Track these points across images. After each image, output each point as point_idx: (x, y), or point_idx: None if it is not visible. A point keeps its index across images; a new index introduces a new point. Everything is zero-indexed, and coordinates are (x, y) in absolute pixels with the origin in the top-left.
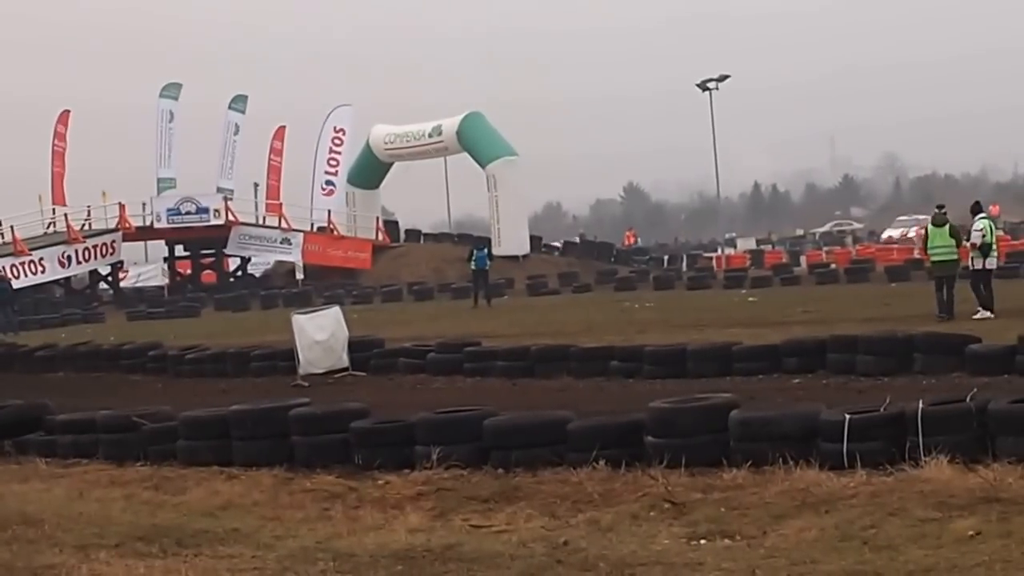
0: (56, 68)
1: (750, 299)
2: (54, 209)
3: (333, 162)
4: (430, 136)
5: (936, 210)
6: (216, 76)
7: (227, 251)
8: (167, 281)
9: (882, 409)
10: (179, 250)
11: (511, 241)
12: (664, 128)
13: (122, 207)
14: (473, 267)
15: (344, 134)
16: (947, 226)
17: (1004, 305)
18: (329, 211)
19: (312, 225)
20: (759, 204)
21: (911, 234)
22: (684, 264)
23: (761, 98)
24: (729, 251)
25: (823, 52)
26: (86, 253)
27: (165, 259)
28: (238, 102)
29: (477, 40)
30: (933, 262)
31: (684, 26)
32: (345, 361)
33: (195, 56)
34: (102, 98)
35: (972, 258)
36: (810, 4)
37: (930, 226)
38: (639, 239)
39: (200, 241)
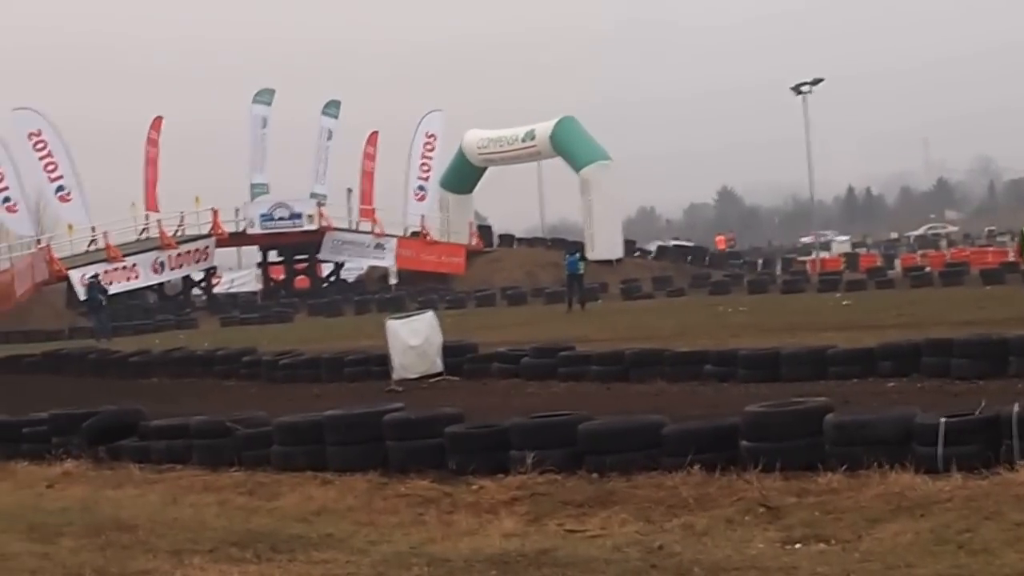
0: (150, 78)
1: (844, 302)
2: (147, 215)
3: (425, 167)
4: (523, 141)
5: None
6: (309, 82)
7: (320, 256)
8: (260, 286)
9: (977, 412)
10: (272, 255)
11: (605, 245)
12: (757, 126)
13: (215, 213)
14: (567, 271)
15: (435, 139)
16: None
17: None
18: (422, 216)
19: (405, 230)
20: (853, 207)
21: None
22: (778, 268)
23: (853, 94)
24: (823, 254)
25: (915, 41)
26: (179, 259)
27: (258, 265)
28: (331, 108)
29: (568, 42)
30: None
31: (774, 20)
32: (439, 366)
33: (288, 62)
34: (196, 107)
35: None
36: None
37: None
38: (733, 243)
39: (293, 246)
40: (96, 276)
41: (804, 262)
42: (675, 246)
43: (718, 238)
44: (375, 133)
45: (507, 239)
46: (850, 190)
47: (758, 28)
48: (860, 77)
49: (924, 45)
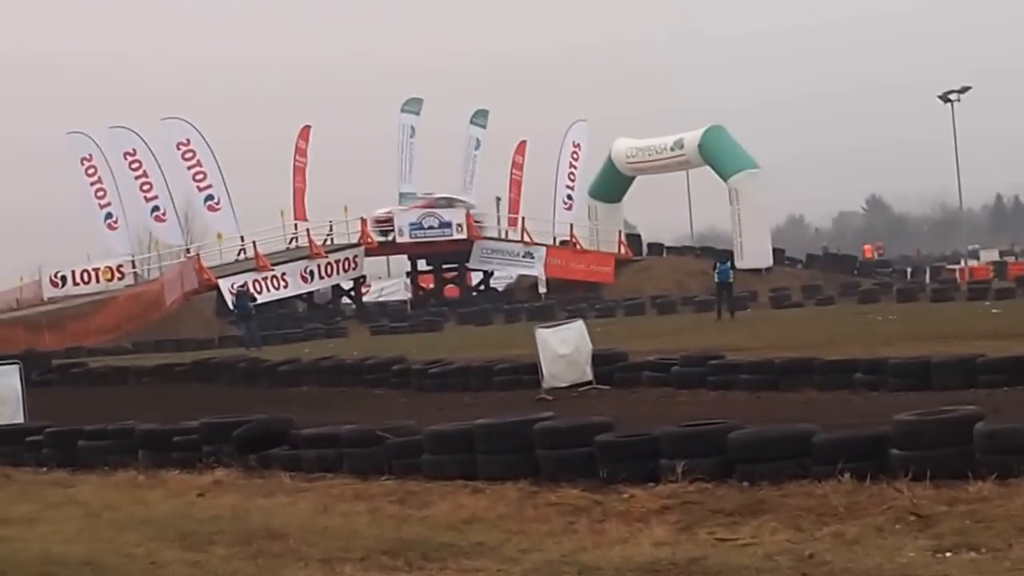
0: (295, 94)
1: (994, 311)
2: (296, 224)
3: (572, 176)
4: (672, 149)
5: None
6: (456, 92)
7: (470, 265)
8: (410, 295)
9: None
10: (421, 264)
11: (754, 254)
12: (904, 125)
13: (364, 222)
14: (716, 280)
15: (581, 149)
16: None
17: None
18: (571, 225)
19: (554, 239)
20: (1002, 216)
21: None
22: (927, 276)
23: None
24: (972, 263)
25: None
26: (328, 268)
27: (408, 273)
28: (479, 117)
29: (709, 44)
30: None
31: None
32: (589, 375)
33: (435, 73)
34: (344, 118)
35: None
36: None
37: None
38: (882, 252)
39: (443, 255)
40: (244, 285)
41: (953, 271)
42: (824, 255)
43: (865, 247)
44: (523, 142)
45: (656, 248)
46: (998, 198)
47: (904, 23)
48: (1010, 73)
49: None
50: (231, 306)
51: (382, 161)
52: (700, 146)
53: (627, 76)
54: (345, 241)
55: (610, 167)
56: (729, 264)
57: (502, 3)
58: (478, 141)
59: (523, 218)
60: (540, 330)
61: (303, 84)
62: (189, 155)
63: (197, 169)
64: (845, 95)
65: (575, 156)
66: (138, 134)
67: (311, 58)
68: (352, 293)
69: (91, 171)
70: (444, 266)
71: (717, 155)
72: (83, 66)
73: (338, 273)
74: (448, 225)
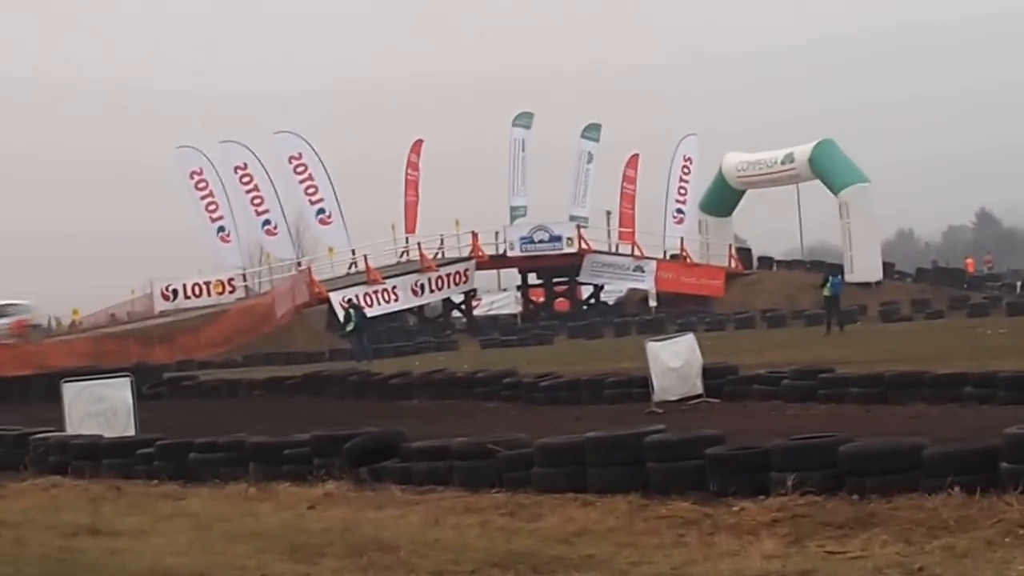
0: (412, 106)
1: None
2: (407, 238)
3: (683, 190)
4: (782, 163)
5: None
6: (568, 106)
7: (580, 279)
8: (520, 309)
9: None
10: (532, 278)
11: (863, 268)
12: (1013, 129)
13: (475, 235)
14: (826, 294)
15: (691, 163)
16: None
17: None
18: (682, 239)
19: (665, 253)
20: None
21: None
22: None
23: None
24: None
25: None
26: (439, 281)
27: (518, 287)
28: (591, 131)
29: (822, 54)
30: None
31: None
32: (699, 388)
33: (547, 86)
34: (455, 132)
35: None
36: None
37: None
38: (991, 265)
39: (553, 269)
40: (355, 298)
41: None
42: (933, 268)
43: (968, 260)
44: (635, 156)
45: (766, 261)
46: None
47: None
48: None
49: None
50: (342, 319)
51: (493, 175)
52: (810, 160)
53: (738, 88)
54: (456, 255)
55: (720, 181)
56: (839, 278)
57: (612, 16)
58: (590, 155)
59: (634, 231)
60: (651, 343)
61: (415, 98)
62: (301, 169)
63: (309, 183)
64: (951, 99)
65: (686, 170)
66: (249, 148)
67: (423, 73)
68: (463, 307)
69: (202, 185)
70: (554, 280)
71: (827, 169)
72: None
73: (449, 287)
74: (559, 239)
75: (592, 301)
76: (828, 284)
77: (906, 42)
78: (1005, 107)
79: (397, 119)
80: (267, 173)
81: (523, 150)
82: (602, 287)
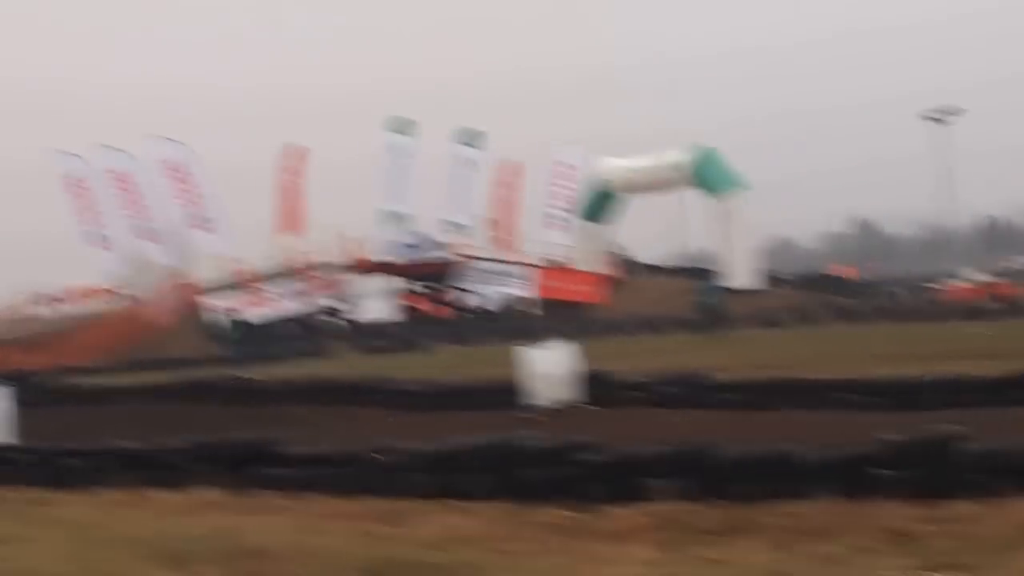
0: (293, 112)
1: (983, 332)
2: (287, 245)
3: (564, 197)
4: (662, 170)
5: None
6: (450, 113)
7: (461, 285)
8: (398, 315)
9: None
10: (412, 285)
11: (742, 274)
12: (895, 154)
13: (355, 242)
14: (704, 300)
15: (574, 170)
16: None
17: None
18: (561, 245)
19: (545, 260)
20: (992, 237)
21: None
22: (916, 296)
23: (994, 124)
24: (962, 283)
25: None
26: (318, 288)
27: (397, 294)
28: (472, 138)
29: (700, 66)
30: None
31: (912, 32)
32: (575, 394)
33: (428, 93)
34: (337, 137)
35: None
36: None
37: None
38: (872, 272)
39: (434, 275)
40: (234, 305)
41: (943, 291)
42: (813, 275)
43: (843, 268)
44: (517, 163)
45: (646, 268)
46: (990, 220)
47: (891, 41)
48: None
49: None
50: (221, 326)
51: (376, 182)
52: (691, 167)
53: (617, 97)
54: (335, 261)
55: (599, 188)
56: (717, 284)
57: (497, 24)
58: (472, 162)
59: (514, 239)
60: (528, 350)
61: (297, 104)
62: (180, 175)
63: (189, 190)
64: (831, 113)
65: (567, 177)
66: (128, 154)
67: (306, 81)
68: (342, 313)
69: (78, 191)
70: (435, 286)
71: (707, 176)
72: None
73: (327, 293)
74: (440, 246)
75: (472, 308)
76: (706, 291)
77: (785, 57)
78: (884, 122)
79: (279, 124)
80: (146, 180)
81: (403, 156)
82: (482, 294)
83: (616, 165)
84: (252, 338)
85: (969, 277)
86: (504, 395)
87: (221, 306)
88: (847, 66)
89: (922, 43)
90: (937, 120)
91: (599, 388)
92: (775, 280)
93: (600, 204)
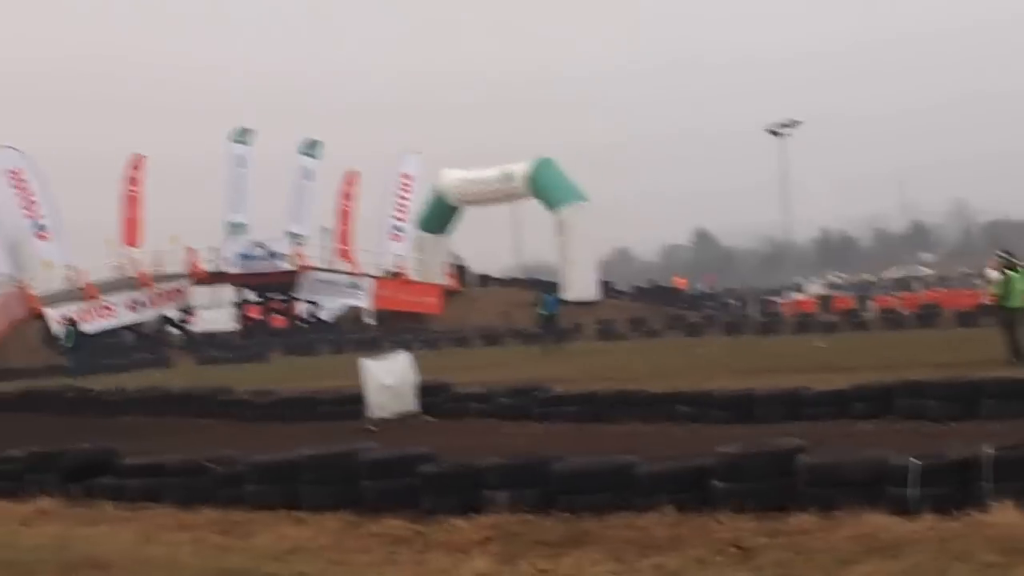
0: (129, 118)
1: (819, 344)
2: (125, 254)
3: (402, 208)
4: (500, 181)
5: (1007, 256)
6: (288, 122)
7: (297, 296)
8: (237, 326)
9: (949, 454)
10: (249, 295)
11: (581, 286)
12: (734, 168)
13: (193, 252)
14: (543, 312)
15: (412, 180)
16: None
17: None
18: (399, 256)
19: (382, 270)
20: (828, 249)
21: None
22: (753, 309)
23: (830, 137)
24: (798, 296)
25: (890, 89)
26: (156, 298)
27: (235, 304)
28: (310, 148)
29: (544, 81)
30: (1017, 306)
31: (754, 64)
32: (414, 405)
33: (268, 102)
34: (175, 146)
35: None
36: (880, 39)
37: (1011, 272)
38: (705, 285)
39: (270, 286)
40: (72, 315)
41: (779, 303)
42: (650, 287)
43: (679, 280)
44: (354, 173)
45: (483, 279)
46: (825, 232)
47: (736, 73)
48: (836, 122)
49: (899, 92)
50: (58, 335)
51: (213, 189)
52: (528, 178)
53: (459, 109)
54: (174, 271)
55: (438, 199)
56: (555, 296)
57: (339, 31)
58: (310, 172)
59: (351, 249)
60: (366, 361)
61: (134, 109)
62: (18, 182)
63: (27, 197)
64: (668, 140)
65: (406, 188)
66: None
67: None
68: (179, 323)
69: None
70: (272, 296)
71: (545, 187)
72: None
73: (166, 303)
74: (276, 255)
75: (309, 318)
76: (545, 302)
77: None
78: (720, 145)
79: (123, 119)
80: None
81: (242, 166)
82: (319, 304)
83: (454, 176)
84: (90, 348)
85: (806, 289)
86: (343, 406)
87: (59, 315)
88: (692, 94)
89: (769, 75)
90: (776, 133)
91: (438, 399)
92: (613, 291)
93: (439, 215)
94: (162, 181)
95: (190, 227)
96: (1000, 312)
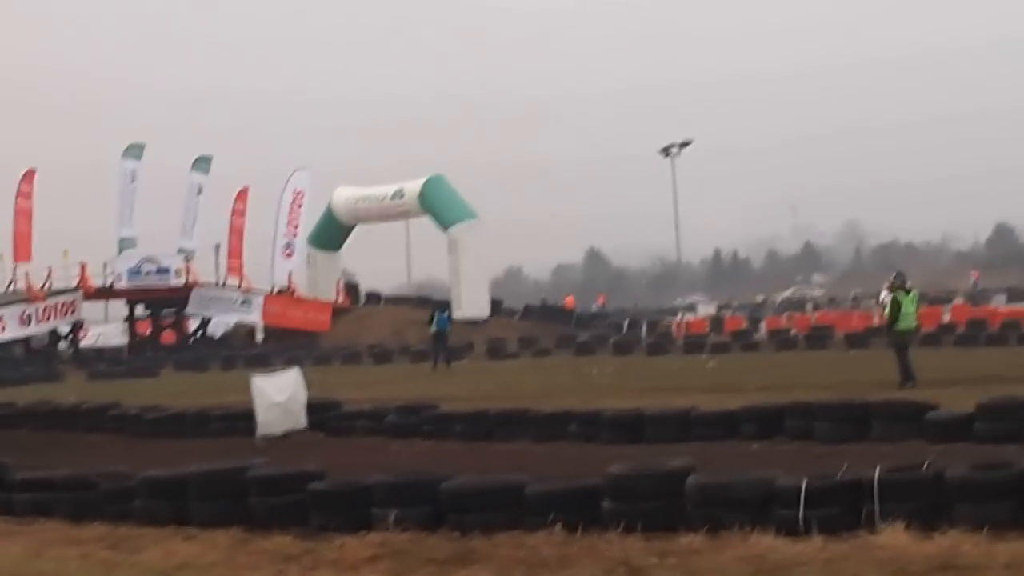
0: (18, 128)
1: (709, 365)
2: (15, 268)
3: (293, 224)
4: (392, 199)
5: (900, 278)
6: (180, 137)
7: (187, 311)
8: (127, 341)
9: (839, 475)
10: (140, 310)
11: (471, 304)
12: (626, 192)
13: (83, 266)
14: (433, 330)
15: (303, 196)
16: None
17: (963, 373)
18: (290, 273)
19: (273, 287)
20: (720, 270)
21: None
22: (644, 329)
23: (723, 163)
24: (689, 316)
25: (785, 117)
26: (47, 312)
27: (125, 319)
28: (201, 163)
29: (438, 101)
30: (908, 329)
31: (647, 91)
32: (304, 423)
33: (159, 117)
34: (65, 158)
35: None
36: (773, 69)
37: (903, 294)
38: (596, 305)
39: (161, 301)
40: None
41: (670, 324)
42: (541, 306)
43: (568, 298)
44: (245, 189)
45: (374, 297)
46: (716, 252)
47: (631, 98)
48: (728, 148)
49: (789, 121)
50: None
51: (103, 203)
52: (420, 195)
53: (355, 127)
54: (64, 285)
55: (330, 215)
56: (446, 314)
57: (231, 46)
58: (200, 187)
59: (242, 265)
60: (256, 377)
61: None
62: None
63: None
64: (562, 161)
65: (297, 204)
66: None
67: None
68: (69, 338)
69: None
70: (162, 312)
71: (437, 205)
72: None
73: (56, 317)
74: (167, 271)
75: (199, 334)
76: (435, 320)
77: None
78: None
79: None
80: None
81: (133, 181)
82: (209, 320)
83: (347, 193)
84: None
85: (696, 310)
86: (234, 422)
87: None
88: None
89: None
90: (668, 154)
91: (327, 417)
92: (504, 310)
93: (330, 232)
94: (54, 192)
95: (83, 240)
96: (892, 334)
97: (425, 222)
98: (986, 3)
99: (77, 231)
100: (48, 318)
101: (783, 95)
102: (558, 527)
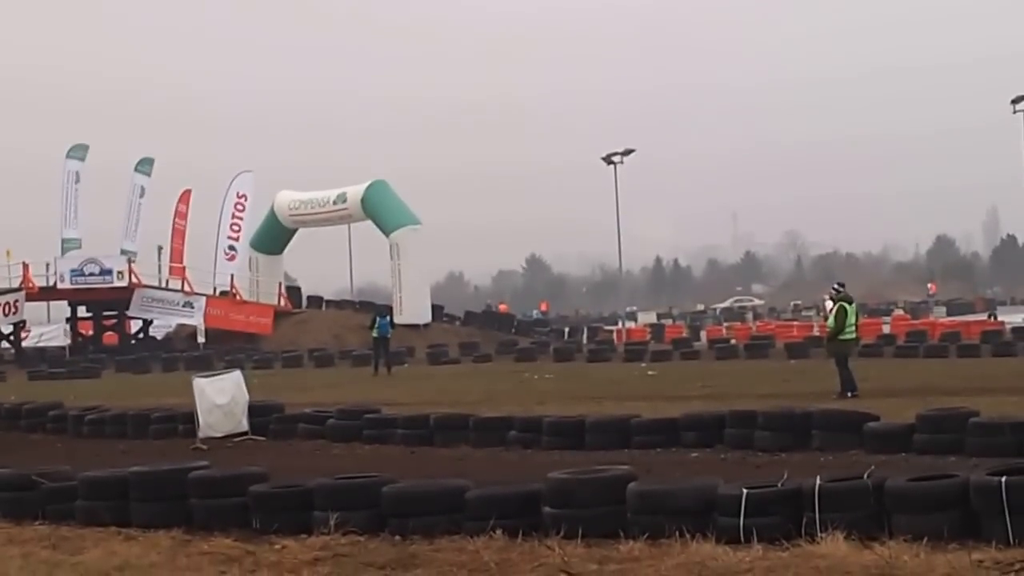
0: None
1: (650, 372)
2: None
3: (236, 227)
4: (334, 203)
5: (842, 288)
6: (123, 138)
7: (129, 313)
8: (69, 341)
9: (779, 484)
10: (82, 311)
11: (413, 309)
12: (568, 200)
13: (26, 266)
14: (375, 334)
15: (246, 200)
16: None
17: (903, 384)
18: (232, 275)
19: (215, 289)
20: (661, 278)
21: None
22: (584, 336)
23: (665, 173)
24: (630, 324)
25: (728, 129)
26: None
27: (67, 319)
28: (144, 165)
29: (382, 107)
30: (851, 339)
31: (590, 99)
32: (245, 425)
33: (103, 117)
34: (8, 156)
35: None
36: (716, 81)
37: (846, 304)
38: (538, 311)
39: (103, 302)
40: None
41: (610, 331)
42: (483, 312)
43: (501, 305)
44: (187, 191)
45: (316, 300)
46: (658, 261)
47: (574, 106)
48: (671, 158)
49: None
50: None
51: (47, 203)
52: (363, 200)
53: (298, 131)
54: (6, 285)
55: (272, 219)
56: (388, 319)
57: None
58: (143, 189)
59: (184, 267)
60: (197, 379)
61: None
62: None
63: None
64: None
65: (239, 207)
66: None
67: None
68: (11, 338)
69: None
70: (104, 313)
71: (379, 210)
72: None
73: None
74: (109, 272)
75: (141, 335)
76: (377, 325)
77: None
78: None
79: None
80: None
81: (76, 182)
82: (151, 322)
83: (289, 197)
84: None
85: (637, 318)
86: (175, 423)
87: None
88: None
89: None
90: (610, 162)
91: (268, 420)
92: (445, 316)
93: (273, 235)
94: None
95: (26, 238)
96: (834, 344)
97: (367, 227)
98: (930, 28)
99: (20, 230)
100: None
101: (727, 107)
102: (499, 532)
